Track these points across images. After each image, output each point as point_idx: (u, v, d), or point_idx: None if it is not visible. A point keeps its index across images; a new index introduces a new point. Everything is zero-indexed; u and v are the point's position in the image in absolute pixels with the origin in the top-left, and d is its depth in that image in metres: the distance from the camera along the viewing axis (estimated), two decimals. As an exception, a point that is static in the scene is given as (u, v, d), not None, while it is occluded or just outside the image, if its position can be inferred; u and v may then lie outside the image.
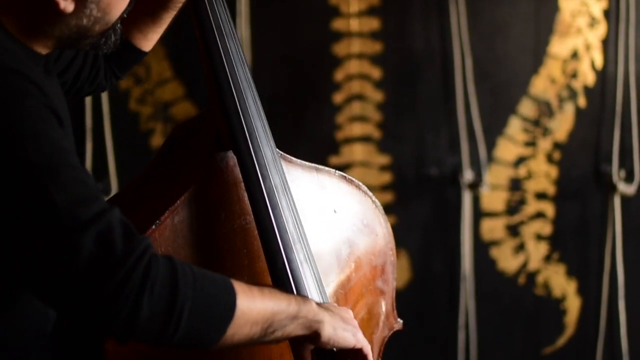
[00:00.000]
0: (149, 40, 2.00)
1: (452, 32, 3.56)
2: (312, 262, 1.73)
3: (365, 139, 3.60)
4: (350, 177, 1.94)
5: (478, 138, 3.58)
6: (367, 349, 1.64)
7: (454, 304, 3.64)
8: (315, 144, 3.58)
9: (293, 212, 1.72)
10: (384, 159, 3.61)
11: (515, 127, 3.63)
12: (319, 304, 1.58)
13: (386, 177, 3.61)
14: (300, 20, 3.57)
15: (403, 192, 3.62)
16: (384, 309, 1.99)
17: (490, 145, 3.62)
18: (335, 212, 1.90)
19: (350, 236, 1.93)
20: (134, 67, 2.09)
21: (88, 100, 3.34)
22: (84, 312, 1.31)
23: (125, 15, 1.61)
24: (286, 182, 1.74)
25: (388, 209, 3.59)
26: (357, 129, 3.59)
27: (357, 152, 3.59)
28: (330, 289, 1.86)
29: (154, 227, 1.62)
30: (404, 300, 3.65)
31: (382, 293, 1.99)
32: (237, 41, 1.77)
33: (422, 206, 3.64)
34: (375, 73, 3.58)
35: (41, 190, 1.30)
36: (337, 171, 1.92)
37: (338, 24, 3.56)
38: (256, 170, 1.68)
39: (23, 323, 1.52)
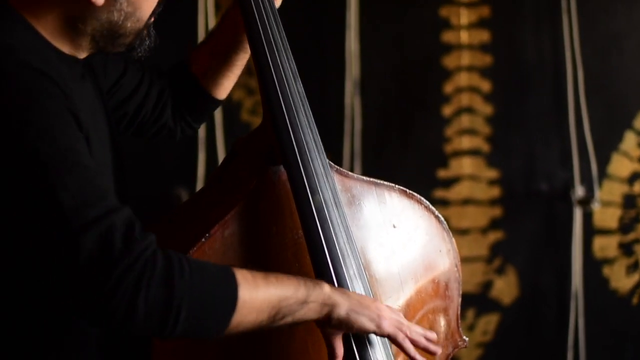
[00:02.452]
0: (220, 88, 2.03)
1: (564, 44, 3.47)
2: (364, 278, 1.73)
3: (474, 152, 3.55)
4: (411, 192, 1.92)
5: (590, 153, 3.48)
6: (400, 336, 1.64)
7: (563, 322, 3.54)
8: (424, 157, 3.56)
9: (344, 227, 1.72)
10: (492, 173, 3.55)
11: (630, 142, 3.50)
12: (333, 288, 1.59)
13: (495, 191, 3.56)
14: (410, 33, 3.56)
15: (512, 207, 3.55)
16: (447, 326, 1.96)
17: (604, 160, 3.51)
18: (394, 227, 1.88)
19: (411, 252, 1.91)
20: (207, 115, 2.10)
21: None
22: (83, 309, 1.36)
23: (154, 17, 1.63)
24: (338, 197, 1.74)
25: (496, 224, 3.54)
26: (466, 142, 3.55)
27: (465, 165, 3.55)
28: (388, 304, 1.85)
29: (203, 240, 1.65)
30: (511, 317, 3.60)
31: (445, 310, 1.96)
32: (289, 54, 1.77)
33: (531, 221, 3.56)
34: (485, 86, 3.53)
35: (48, 189, 1.35)
36: (397, 186, 1.91)
37: (448, 36, 3.53)
38: (305, 185, 1.68)
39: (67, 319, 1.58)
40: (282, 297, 1.50)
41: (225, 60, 1.99)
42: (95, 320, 1.37)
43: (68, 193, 1.35)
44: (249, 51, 1.93)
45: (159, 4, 1.63)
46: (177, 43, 2.07)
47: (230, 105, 3.52)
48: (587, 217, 3.53)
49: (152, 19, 1.64)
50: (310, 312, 1.55)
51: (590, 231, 3.54)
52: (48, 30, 1.56)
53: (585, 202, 3.49)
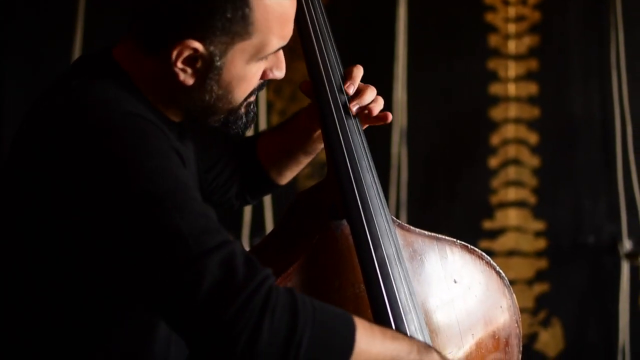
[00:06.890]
0: (283, 177, 2.05)
1: (612, 98, 3.48)
2: (425, 333, 1.73)
3: (520, 204, 3.55)
4: (472, 247, 1.93)
5: (639, 206, 3.47)
6: None
7: (610, 377, 3.52)
8: (469, 208, 3.57)
9: (406, 283, 1.73)
10: (539, 225, 3.55)
11: (679, 196, 3.50)
12: (442, 355, 1.58)
13: (541, 244, 3.55)
14: (457, 84, 3.58)
15: (558, 260, 3.54)
16: (506, 381, 1.96)
17: (652, 214, 3.50)
18: (455, 282, 1.89)
19: (472, 307, 1.91)
20: (266, 194, 2.19)
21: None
22: (206, 335, 1.34)
23: (253, 99, 1.65)
24: (400, 252, 1.75)
25: (542, 276, 3.53)
26: (512, 194, 3.55)
27: (511, 217, 3.55)
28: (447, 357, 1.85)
29: (266, 292, 1.66)
30: (556, 371, 3.58)
31: (505, 365, 1.96)
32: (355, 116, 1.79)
33: (577, 274, 3.54)
34: (532, 138, 3.54)
35: (168, 220, 1.36)
36: (458, 241, 1.91)
37: (495, 88, 3.55)
38: (368, 240, 1.69)
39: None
40: (396, 354, 1.49)
41: (292, 158, 2.01)
42: (216, 345, 1.35)
43: (186, 223, 1.36)
44: (315, 153, 1.98)
45: (259, 86, 1.64)
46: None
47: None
48: (635, 271, 3.50)
49: (252, 98, 1.65)
50: None
51: (638, 285, 3.52)
52: (152, 98, 1.60)
53: (633, 255, 3.47)
